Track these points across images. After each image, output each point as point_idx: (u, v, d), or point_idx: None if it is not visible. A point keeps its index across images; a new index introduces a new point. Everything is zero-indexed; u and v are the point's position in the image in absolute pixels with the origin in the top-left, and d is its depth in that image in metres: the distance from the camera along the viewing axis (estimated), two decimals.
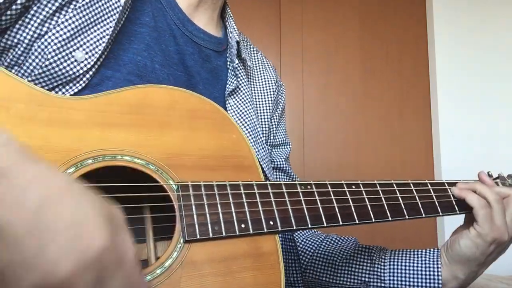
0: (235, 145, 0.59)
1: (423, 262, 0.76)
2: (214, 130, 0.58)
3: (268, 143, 0.86)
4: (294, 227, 0.56)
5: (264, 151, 0.76)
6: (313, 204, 0.59)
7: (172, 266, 0.49)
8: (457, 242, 0.72)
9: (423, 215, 0.66)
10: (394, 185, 0.66)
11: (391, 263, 0.78)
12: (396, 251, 0.80)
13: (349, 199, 0.61)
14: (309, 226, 0.57)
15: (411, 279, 0.76)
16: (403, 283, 0.76)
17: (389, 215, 0.63)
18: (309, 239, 0.88)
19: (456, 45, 2.14)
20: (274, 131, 0.87)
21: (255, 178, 0.59)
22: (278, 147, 0.87)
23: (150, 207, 0.58)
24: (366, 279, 0.79)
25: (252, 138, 0.74)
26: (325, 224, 0.58)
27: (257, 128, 0.77)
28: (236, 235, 0.53)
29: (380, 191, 0.64)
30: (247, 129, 0.74)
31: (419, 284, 0.75)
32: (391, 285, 0.77)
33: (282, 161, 0.86)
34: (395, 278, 0.77)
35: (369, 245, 0.83)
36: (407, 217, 0.64)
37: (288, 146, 0.89)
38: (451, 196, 0.71)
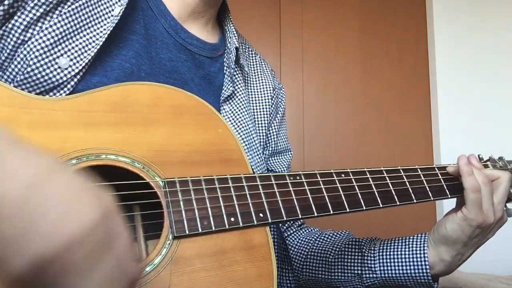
0: (221, 139, 0.59)
1: (410, 248, 0.76)
2: (200, 125, 0.58)
3: (268, 151, 0.85)
4: (285, 218, 0.56)
5: (259, 157, 0.76)
6: (303, 195, 0.58)
7: (162, 263, 0.48)
8: (443, 225, 0.72)
9: (414, 201, 0.66)
10: (383, 172, 0.66)
11: (380, 253, 0.78)
12: (385, 240, 0.80)
13: (339, 187, 0.61)
14: (300, 216, 0.57)
15: (400, 267, 0.76)
16: (393, 271, 0.76)
17: (380, 202, 0.62)
18: (304, 239, 0.88)
19: (456, 45, 2.13)
20: (275, 138, 0.86)
21: (244, 171, 0.58)
22: (279, 154, 0.87)
23: (140, 206, 0.58)
24: (359, 272, 0.79)
25: (246, 145, 0.73)
26: (315, 214, 0.57)
27: (252, 135, 0.76)
28: (226, 229, 0.53)
29: (370, 179, 0.64)
30: (241, 136, 0.73)
31: (408, 270, 0.75)
32: (383, 275, 0.77)
33: (284, 169, 0.85)
34: (385, 268, 0.77)
35: (359, 238, 0.83)
36: (398, 203, 0.64)
37: (289, 153, 0.89)
38: (441, 180, 0.71)
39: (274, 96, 0.87)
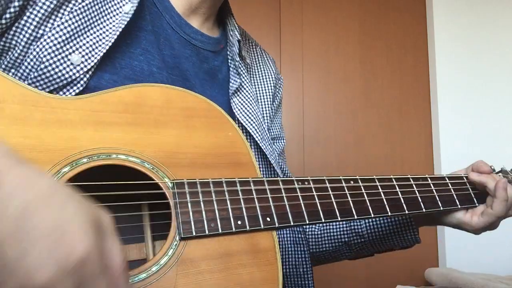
0: (231, 143, 0.59)
1: None
2: (210, 128, 0.58)
3: None
4: (292, 223, 0.56)
5: (271, 146, 0.77)
6: (311, 200, 0.58)
7: (168, 264, 0.48)
8: (445, 220, 0.75)
9: (423, 210, 0.66)
10: (393, 180, 0.66)
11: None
12: None
13: (347, 194, 0.61)
14: (307, 222, 0.57)
15: (388, 228, 0.80)
16: (381, 232, 0.80)
17: (388, 210, 0.62)
18: None
19: (456, 45, 2.13)
20: (270, 124, 0.87)
21: (252, 175, 0.58)
22: (273, 141, 0.87)
23: (148, 206, 0.58)
24: (346, 239, 0.83)
25: (259, 135, 0.74)
26: (323, 220, 0.57)
27: (263, 126, 0.77)
28: (233, 232, 0.53)
29: (379, 186, 0.64)
30: (253, 127, 0.74)
31: (396, 230, 0.79)
32: (371, 237, 0.81)
33: (276, 156, 0.86)
34: (373, 231, 0.81)
35: None
36: (406, 212, 0.64)
37: (282, 140, 0.89)
38: (452, 190, 0.71)
39: (274, 84, 0.89)
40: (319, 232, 0.84)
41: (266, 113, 0.84)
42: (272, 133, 0.87)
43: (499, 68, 2.13)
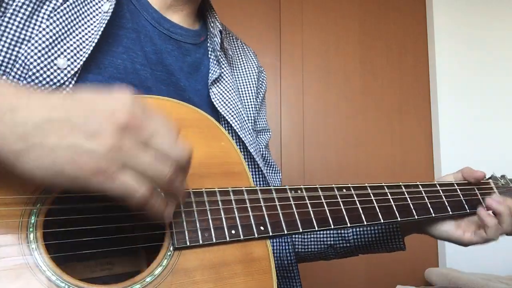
0: (224, 152, 0.59)
1: None
2: (203, 138, 0.59)
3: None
4: (286, 232, 0.56)
5: (251, 136, 0.77)
6: (304, 208, 0.59)
7: (162, 274, 0.49)
8: (437, 229, 0.75)
9: (416, 217, 0.66)
10: (385, 187, 0.66)
11: None
12: None
13: (340, 202, 0.61)
14: (301, 230, 0.57)
15: (374, 234, 0.81)
16: (367, 238, 0.81)
17: (381, 217, 0.63)
18: None
19: (456, 45, 2.12)
20: (256, 117, 0.87)
21: (245, 184, 0.59)
22: (258, 134, 0.88)
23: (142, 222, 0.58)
24: (332, 242, 0.83)
25: (238, 124, 0.74)
26: (316, 228, 0.58)
27: (242, 115, 0.77)
28: (227, 241, 0.53)
29: (371, 194, 0.64)
30: (232, 116, 0.74)
31: (382, 236, 0.80)
32: (356, 243, 0.82)
33: (262, 148, 0.86)
34: (359, 237, 0.82)
35: None
36: (399, 219, 0.64)
37: (268, 133, 0.89)
38: (443, 197, 0.71)
39: (257, 77, 0.89)
40: (307, 234, 0.86)
41: (251, 104, 0.84)
42: (259, 126, 0.87)
43: (499, 68, 2.12)
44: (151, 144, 0.43)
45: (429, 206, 0.69)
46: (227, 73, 0.79)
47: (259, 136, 0.87)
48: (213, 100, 0.73)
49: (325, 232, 0.84)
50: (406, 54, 2.16)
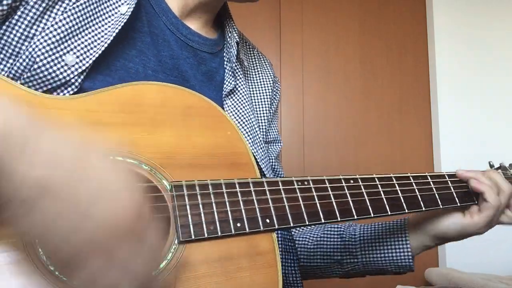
0: (230, 143, 0.58)
1: (392, 234, 0.79)
2: (208, 128, 0.57)
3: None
4: (292, 224, 0.55)
5: (263, 151, 0.76)
6: (311, 200, 0.58)
7: (167, 268, 0.48)
8: (445, 224, 0.74)
9: (423, 209, 0.65)
10: (393, 178, 0.65)
11: (362, 238, 0.80)
12: (364, 226, 0.83)
13: (347, 194, 0.60)
14: (307, 223, 0.56)
15: (382, 251, 0.79)
16: (374, 255, 0.79)
17: (388, 209, 0.62)
18: None
19: (456, 45, 2.13)
20: (267, 128, 0.86)
21: (251, 175, 0.58)
22: (269, 144, 0.87)
23: None
24: (339, 258, 0.81)
25: (250, 139, 0.73)
26: (323, 220, 0.57)
27: (255, 129, 0.76)
28: (232, 235, 0.52)
29: (379, 185, 0.63)
30: (245, 130, 0.73)
31: (390, 254, 0.78)
32: (364, 259, 0.80)
33: (272, 159, 0.85)
34: (366, 252, 0.80)
35: (338, 225, 0.85)
36: (406, 211, 0.63)
37: (279, 144, 0.88)
38: (451, 188, 0.71)
39: (273, 89, 0.88)
40: (312, 247, 0.83)
41: (264, 116, 0.83)
42: (270, 137, 0.86)
43: (499, 68, 2.13)
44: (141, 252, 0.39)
45: (437, 197, 0.68)
46: (241, 85, 0.78)
47: (270, 148, 0.86)
48: (226, 112, 0.72)
49: (332, 245, 0.82)
50: (406, 54, 2.16)
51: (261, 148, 0.75)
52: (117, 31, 0.59)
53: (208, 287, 0.49)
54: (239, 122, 0.73)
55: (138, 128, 0.53)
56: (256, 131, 0.76)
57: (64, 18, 0.56)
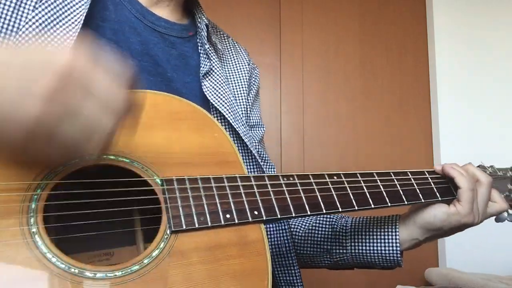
0: (218, 143, 0.61)
1: (382, 227, 0.79)
2: (196, 130, 0.61)
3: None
4: (279, 216, 0.58)
5: (245, 127, 0.78)
6: (296, 194, 0.61)
7: (160, 256, 0.50)
8: (431, 214, 0.74)
9: (405, 202, 0.68)
10: (374, 175, 0.68)
11: (353, 229, 0.81)
12: (357, 218, 0.83)
13: (331, 188, 0.63)
14: (293, 214, 0.59)
15: (371, 243, 0.79)
16: (364, 247, 0.79)
17: (371, 202, 0.64)
18: None
19: (456, 46, 2.13)
20: (249, 113, 0.88)
21: (239, 172, 0.60)
22: (252, 129, 0.88)
23: (139, 206, 0.60)
24: (329, 247, 0.82)
25: (232, 116, 0.75)
26: (308, 212, 0.60)
27: (235, 106, 0.78)
28: (222, 225, 0.55)
29: (361, 181, 0.66)
30: (226, 107, 0.75)
31: (379, 246, 0.78)
32: (352, 251, 0.80)
33: (256, 143, 0.87)
34: (356, 244, 0.80)
35: (329, 216, 0.86)
36: (389, 204, 0.66)
37: (262, 129, 0.90)
38: (431, 183, 0.73)
39: (249, 73, 0.89)
40: (303, 235, 0.85)
41: (243, 100, 0.84)
42: (252, 121, 0.88)
43: (499, 68, 2.13)
44: (93, 92, 0.42)
45: (418, 192, 0.71)
46: (217, 67, 0.80)
47: (252, 131, 0.87)
48: (206, 93, 0.74)
49: (323, 234, 0.83)
50: (406, 54, 2.17)
51: (243, 125, 0.77)
52: (82, 19, 0.62)
53: (199, 273, 0.51)
54: (219, 101, 0.75)
55: (129, 130, 0.56)
56: (236, 109, 0.78)
57: (36, 14, 0.60)
